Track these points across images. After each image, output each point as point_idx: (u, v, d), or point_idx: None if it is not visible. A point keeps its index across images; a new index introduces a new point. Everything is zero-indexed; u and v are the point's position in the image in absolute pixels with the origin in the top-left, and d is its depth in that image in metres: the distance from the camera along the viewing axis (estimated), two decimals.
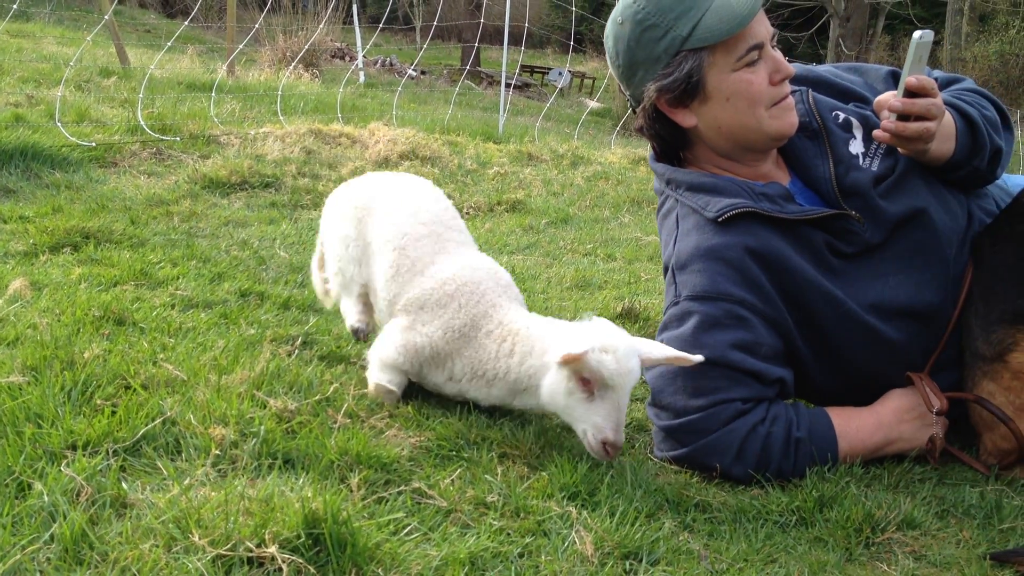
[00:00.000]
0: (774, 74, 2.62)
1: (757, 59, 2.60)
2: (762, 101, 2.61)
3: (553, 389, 2.39)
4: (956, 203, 2.79)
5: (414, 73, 24.38)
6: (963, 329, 2.69)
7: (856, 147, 2.77)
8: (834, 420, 2.59)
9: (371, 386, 2.68)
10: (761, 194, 2.65)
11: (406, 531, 2.03)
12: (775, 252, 2.59)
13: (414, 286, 2.63)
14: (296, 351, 3.02)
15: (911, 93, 2.59)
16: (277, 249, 4.54)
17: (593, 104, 19.06)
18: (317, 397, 2.59)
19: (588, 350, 2.25)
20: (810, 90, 2.83)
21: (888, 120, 2.63)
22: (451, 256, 2.67)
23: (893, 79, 2.99)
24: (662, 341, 2.56)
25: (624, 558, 2.04)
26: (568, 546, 2.05)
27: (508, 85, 12.25)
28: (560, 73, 26.51)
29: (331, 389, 2.65)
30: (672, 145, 2.84)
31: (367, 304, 2.85)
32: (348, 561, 1.85)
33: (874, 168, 2.73)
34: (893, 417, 2.62)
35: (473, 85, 24.72)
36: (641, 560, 2.04)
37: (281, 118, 8.37)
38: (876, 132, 2.67)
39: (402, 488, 2.20)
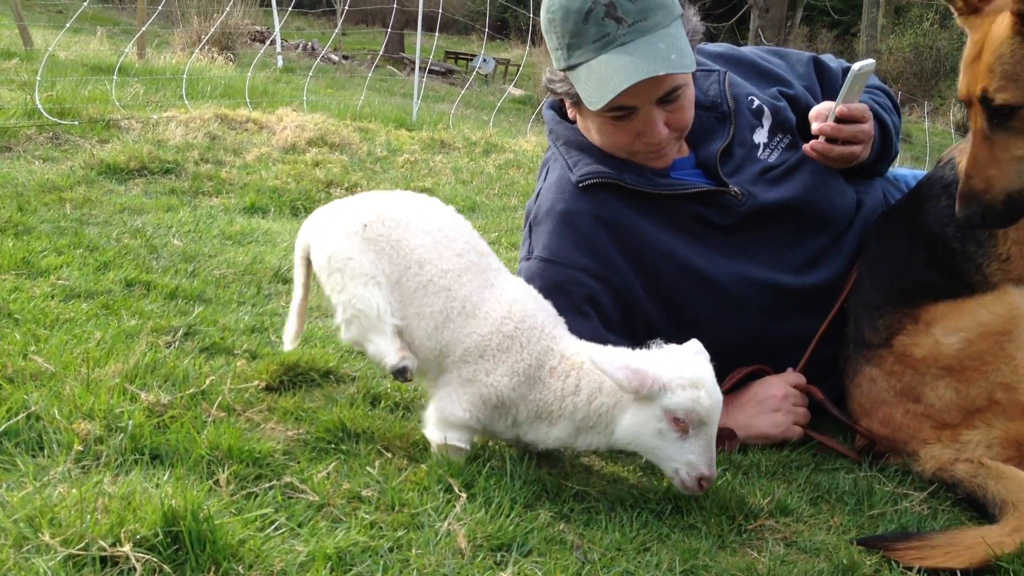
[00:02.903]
0: (641, 135, 2.64)
1: (623, 116, 2.61)
2: (622, 150, 2.69)
3: (638, 431, 2.20)
4: (849, 193, 2.87)
5: (335, 58, 24.04)
6: (850, 318, 2.75)
7: (760, 136, 2.85)
8: None
9: (435, 447, 2.38)
10: (629, 164, 2.69)
11: (273, 527, 1.99)
12: (628, 223, 2.67)
13: (468, 332, 2.31)
14: (176, 343, 2.94)
15: (842, 119, 2.69)
16: (171, 237, 4.43)
17: (513, 91, 19.04)
18: (192, 390, 2.52)
19: (678, 390, 2.14)
20: (728, 73, 2.89)
21: (818, 141, 2.76)
22: (495, 289, 2.36)
23: (813, 65, 3.06)
24: None
25: (496, 550, 2.03)
26: (440, 539, 2.03)
27: (425, 71, 12.17)
28: (485, 60, 26.41)
29: (207, 382, 2.59)
30: None
31: (404, 340, 2.37)
32: (208, 559, 1.80)
33: (771, 159, 2.81)
34: (752, 408, 2.68)
35: (396, 71, 24.50)
36: (513, 551, 2.03)
37: (186, 102, 8.19)
38: (805, 148, 2.80)
39: (273, 483, 2.16)
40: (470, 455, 2.38)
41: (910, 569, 2.11)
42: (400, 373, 2.33)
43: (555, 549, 2.07)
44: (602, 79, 2.49)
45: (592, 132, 2.76)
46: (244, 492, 2.12)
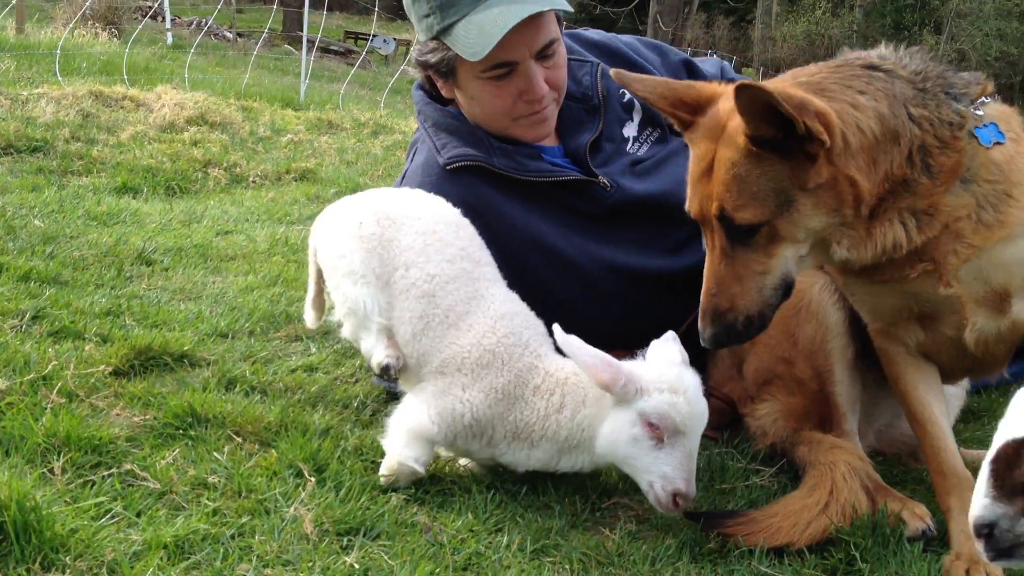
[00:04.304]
0: (524, 93, 2.62)
1: (505, 75, 2.59)
2: (504, 114, 2.66)
3: (614, 437, 2.08)
4: None
5: (229, 35, 23.44)
6: None
7: (630, 130, 2.88)
8: None
9: (389, 464, 2.20)
10: (499, 148, 2.67)
11: (109, 516, 1.92)
12: (494, 208, 2.65)
13: (448, 343, 2.22)
14: (23, 326, 2.82)
15: None
16: (32, 218, 4.24)
17: (410, 70, 18.86)
18: (32, 376, 2.42)
19: (655, 393, 2.03)
20: (601, 65, 2.89)
21: None
22: (484, 301, 2.27)
23: (684, 67, 3.08)
24: None
25: (343, 534, 2.00)
26: (286, 524, 1.99)
27: (314, 48, 11.94)
28: (385, 41, 26.07)
29: (50, 367, 2.48)
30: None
31: (392, 338, 2.31)
32: (34, 550, 1.74)
33: (640, 153, 2.84)
34: None
35: (293, 50, 23.97)
36: (363, 535, 2.00)
37: (60, 79, 7.87)
38: None
39: (112, 471, 2.08)
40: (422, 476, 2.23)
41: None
42: (384, 370, 2.28)
43: (404, 532, 2.05)
44: (482, 28, 2.49)
45: (472, 103, 2.72)
46: (81, 481, 2.04)
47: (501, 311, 2.26)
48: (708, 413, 2.10)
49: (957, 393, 2.72)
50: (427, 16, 2.58)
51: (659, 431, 2.03)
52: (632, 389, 2.04)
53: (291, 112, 8.69)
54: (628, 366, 2.08)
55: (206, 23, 24.46)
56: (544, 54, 2.62)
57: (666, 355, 2.14)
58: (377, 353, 2.28)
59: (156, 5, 22.90)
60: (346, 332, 2.38)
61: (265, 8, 32.53)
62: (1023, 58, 35.05)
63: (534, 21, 2.53)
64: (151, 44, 15.36)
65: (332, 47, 25.28)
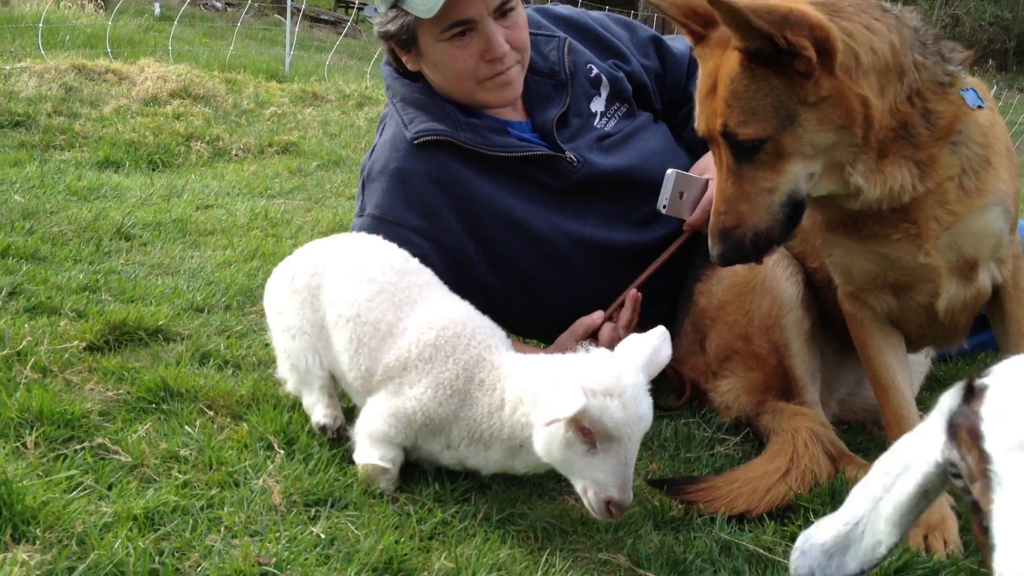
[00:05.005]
0: (485, 53, 2.63)
1: (465, 34, 2.60)
2: (468, 77, 2.67)
3: (548, 440, 1.96)
4: (683, 163, 2.93)
5: (219, 5, 23.23)
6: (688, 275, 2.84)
7: (597, 105, 2.90)
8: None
9: (361, 468, 2.20)
10: (466, 123, 2.68)
11: (80, 489, 1.95)
12: (461, 183, 2.67)
13: (387, 350, 2.21)
14: None
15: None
16: (13, 193, 4.27)
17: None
18: (6, 351, 2.45)
19: (585, 403, 1.86)
20: (568, 40, 2.90)
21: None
22: (418, 304, 2.25)
23: (653, 45, 3.08)
24: None
25: (311, 505, 2.04)
26: (255, 495, 2.03)
27: (299, 17, 11.86)
28: (376, 10, 25.80)
29: (24, 342, 2.51)
30: None
31: (332, 396, 2.36)
32: (4, 522, 1.77)
33: (608, 128, 2.86)
34: (567, 337, 2.72)
35: (283, 20, 23.76)
36: (330, 506, 2.04)
37: (43, 52, 7.85)
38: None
39: (84, 444, 2.12)
40: (397, 478, 2.20)
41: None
42: (322, 430, 2.32)
43: (372, 503, 2.09)
44: None
45: (436, 70, 2.72)
46: (54, 455, 2.08)
47: (435, 308, 2.25)
48: (651, 417, 1.98)
49: (921, 361, 2.76)
50: None
51: (591, 435, 1.90)
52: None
53: (275, 84, 8.67)
54: (569, 369, 1.98)
55: None
56: (502, 10, 2.63)
57: (625, 354, 2.03)
58: (316, 413, 2.33)
59: None
60: (289, 387, 2.41)
61: None
62: (1017, 22, 34.93)
63: None
64: (138, 15, 15.23)
65: (322, 16, 25.08)
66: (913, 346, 2.47)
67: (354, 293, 2.26)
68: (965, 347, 2.69)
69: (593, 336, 2.66)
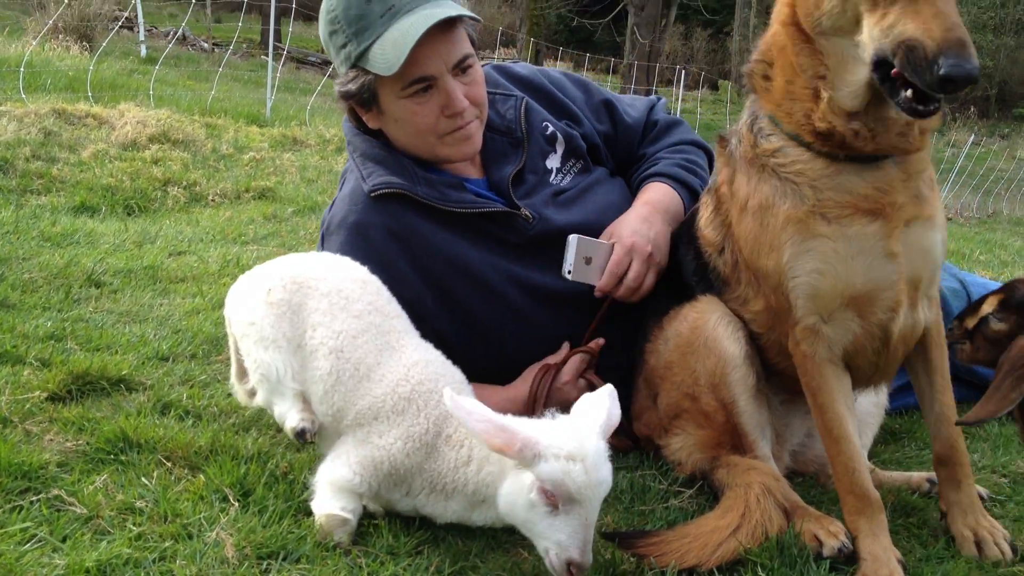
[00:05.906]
0: (445, 108, 2.70)
1: (426, 90, 2.67)
2: (429, 132, 2.73)
3: (511, 500, 2.05)
4: None
5: (207, 46, 23.33)
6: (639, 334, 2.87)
7: (553, 162, 2.98)
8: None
9: (320, 517, 2.19)
10: (423, 178, 2.74)
11: (34, 540, 1.97)
12: (418, 235, 2.74)
13: (361, 395, 2.23)
14: None
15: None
16: None
17: None
18: None
19: (551, 459, 1.96)
20: (526, 99, 3.00)
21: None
22: (396, 352, 2.30)
23: (606, 109, 3.17)
24: None
25: (264, 558, 2.06)
26: (208, 548, 2.05)
27: (290, 60, 11.95)
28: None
29: None
30: None
31: (306, 402, 2.33)
32: None
33: (563, 183, 2.94)
34: (525, 393, 2.77)
35: (271, 62, 23.83)
36: (282, 559, 2.06)
37: (23, 96, 7.90)
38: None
39: (40, 496, 2.14)
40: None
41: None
42: (300, 435, 2.29)
43: (325, 556, 2.11)
44: (395, 42, 2.57)
45: (397, 127, 2.78)
46: (9, 506, 2.10)
47: (414, 359, 2.29)
48: (611, 481, 2.05)
49: (873, 412, 2.81)
50: (344, 46, 2.65)
51: (554, 498, 1.97)
52: (529, 454, 1.99)
53: (256, 128, 8.73)
54: (527, 429, 2.03)
55: (183, 34, 24.31)
56: (461, 67, 2.70)
57: (583, 417, 2.10)
58: (291, 418, 2.30)
59: (128, 13, 22.76)
60: (260, 399, 2.39)
61: (249, 17, 32.34)
62: (998, 70, 35.50)
63: (446, 35, 2.62)
64: (124, 57, 15.32)
65: (309, 58, 25.24)
66: (858, 384, 2.51)
67: (341, 324, 2.29)
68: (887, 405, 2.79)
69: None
